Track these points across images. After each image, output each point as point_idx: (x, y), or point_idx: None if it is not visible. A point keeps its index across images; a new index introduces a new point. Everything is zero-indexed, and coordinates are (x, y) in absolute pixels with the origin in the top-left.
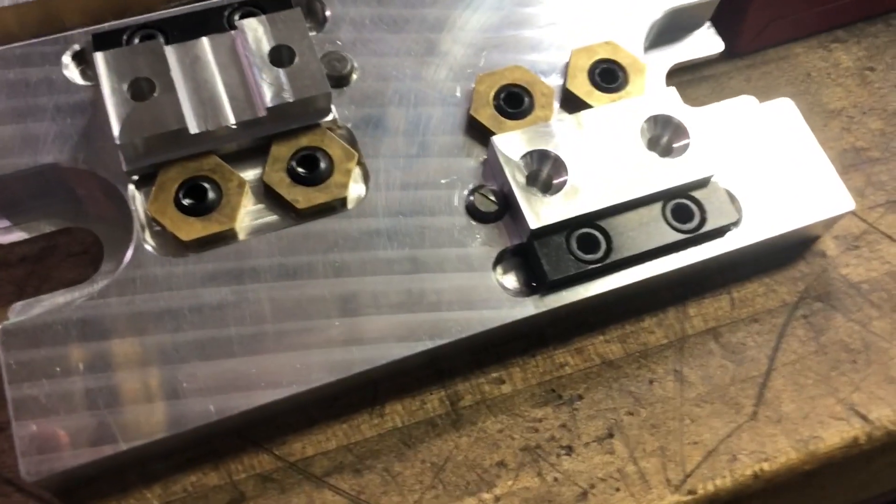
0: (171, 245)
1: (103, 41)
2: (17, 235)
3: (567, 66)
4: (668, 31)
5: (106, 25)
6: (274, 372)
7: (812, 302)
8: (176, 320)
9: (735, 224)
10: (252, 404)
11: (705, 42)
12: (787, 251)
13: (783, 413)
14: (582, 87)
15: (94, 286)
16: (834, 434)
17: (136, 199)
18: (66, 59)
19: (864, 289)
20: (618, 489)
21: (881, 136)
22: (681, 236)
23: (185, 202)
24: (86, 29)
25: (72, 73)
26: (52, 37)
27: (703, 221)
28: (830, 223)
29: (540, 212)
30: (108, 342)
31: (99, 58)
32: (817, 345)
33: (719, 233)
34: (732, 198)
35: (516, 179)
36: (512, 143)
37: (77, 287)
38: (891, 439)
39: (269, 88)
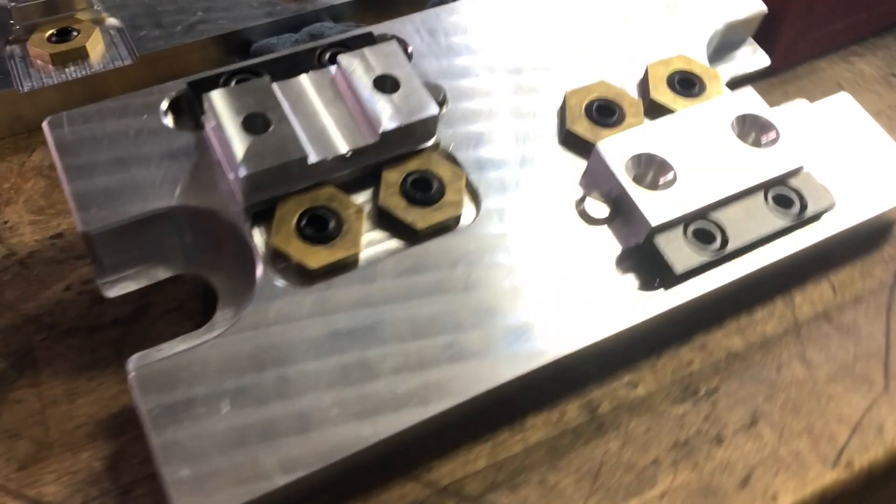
0: (296, 277)
1: (199, 87)
2: (125, 286)
3: (642, 80)
4: (720, 48)
5: (200, 74)
6: (422, 389)
7: None
8: (315, 348)
9: (830, 208)
10: (407, 423)
11: (751, 57)
12: (870, 237)
13: None
14: (665, 94)
15: (215, 330)
16: None
17: (255, 234)
18: (163, 105)
19: None
20: (777, 472)
21: None
22: (788, 222)
23: (307, 232)
24: (180, 79)
25: (168, 121)
26: (146, 89)
27: (804, 207)
28: None
29: (656, 209)
30: (249, 377)
31: (215, 95)
32: None
33: (817, 218)
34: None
35: (628, 181)
36: (616, 146)
37: (195, 333)
38: None
39: (381, 114)
